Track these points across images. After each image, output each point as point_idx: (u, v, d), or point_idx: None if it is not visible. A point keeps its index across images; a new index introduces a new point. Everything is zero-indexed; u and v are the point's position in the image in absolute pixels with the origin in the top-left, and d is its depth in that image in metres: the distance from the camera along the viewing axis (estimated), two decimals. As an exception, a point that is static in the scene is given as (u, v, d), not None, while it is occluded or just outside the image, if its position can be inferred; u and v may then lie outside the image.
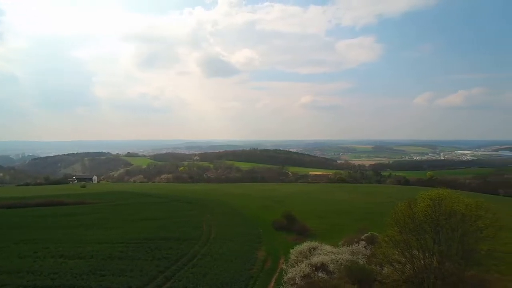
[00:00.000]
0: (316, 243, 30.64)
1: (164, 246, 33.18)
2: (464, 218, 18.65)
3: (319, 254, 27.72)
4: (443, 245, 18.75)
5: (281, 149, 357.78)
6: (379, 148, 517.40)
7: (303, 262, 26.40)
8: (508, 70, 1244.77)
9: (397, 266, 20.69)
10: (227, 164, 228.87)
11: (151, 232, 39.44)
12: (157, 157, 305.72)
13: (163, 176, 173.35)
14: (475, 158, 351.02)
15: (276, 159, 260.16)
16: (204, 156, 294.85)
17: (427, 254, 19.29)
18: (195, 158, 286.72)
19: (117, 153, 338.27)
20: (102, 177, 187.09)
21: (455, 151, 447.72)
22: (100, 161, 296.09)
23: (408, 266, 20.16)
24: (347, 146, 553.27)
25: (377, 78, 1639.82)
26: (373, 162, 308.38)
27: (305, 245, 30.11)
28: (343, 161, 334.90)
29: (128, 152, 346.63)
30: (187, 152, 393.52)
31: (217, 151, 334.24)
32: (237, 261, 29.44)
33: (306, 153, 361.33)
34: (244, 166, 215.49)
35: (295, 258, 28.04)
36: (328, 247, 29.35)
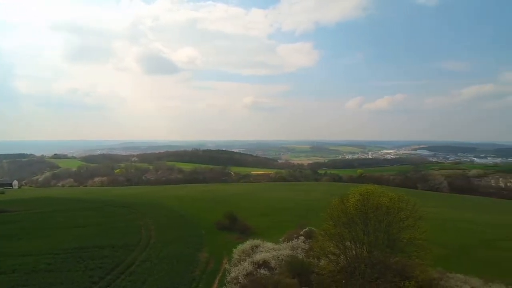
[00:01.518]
0: (259, 241, 31.33)
1: (98, 254, 30.93)
2: (389, 210, 20.80)
3: (261, 251, 28.41)
4: (371, 236, 20.66)
5: (224, 149, 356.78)
6: (316, 148, 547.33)
7: (246, 260, 26.80)
8: (425, 78, 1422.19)
9: (332, 258, 22.22)
10: (168, 165, 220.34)
11: (83, 240, 36.40)
12: (89, 159, 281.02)
13: (96, 179, 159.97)
14: (398, 156, 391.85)
15: (219, 159, 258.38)
16: (143, 157, 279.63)
17: (358, 245, 21.09)
18: (133, 159, 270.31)
19: (42, 155, 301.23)
20: (25, 181, 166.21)
21: (381, 151, 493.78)
22: (22, 164, 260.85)
23: (342, 257, 21.80)
24: (287, 146, 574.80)
25: (314, 82, 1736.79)
26: (311, 161, 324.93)
27: (248, 244, 30.59)
28: (283, 161, 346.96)
29: (55, 154, 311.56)
30: (124, 153, 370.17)
31: (157, 152, 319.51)
32: (179, 264, 28.77)
33: (248, 153, 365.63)
34: (186, 167, 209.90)
35: (238, 257, 28.34)
36: (270, 244, 30.22)
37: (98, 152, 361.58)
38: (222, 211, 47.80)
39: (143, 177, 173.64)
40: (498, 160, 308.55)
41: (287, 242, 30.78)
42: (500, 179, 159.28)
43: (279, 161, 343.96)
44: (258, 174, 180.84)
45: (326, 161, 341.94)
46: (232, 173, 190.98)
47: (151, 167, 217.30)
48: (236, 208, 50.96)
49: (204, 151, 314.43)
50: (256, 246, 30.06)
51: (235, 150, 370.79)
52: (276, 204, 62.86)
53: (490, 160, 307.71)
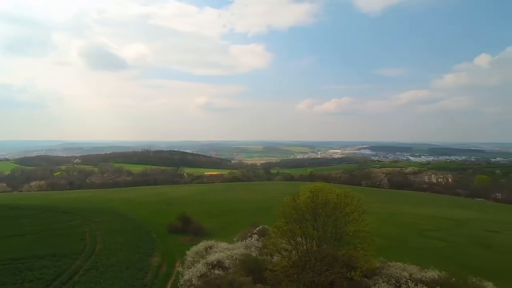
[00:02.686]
0: (212, 241, 31.20)
1: (37, 265, 28.27)
2: (336, 206, 22.07)
3: (215, 252, 28.33)
4: (320, 231, 21.72)
5: (176, 150, 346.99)
6: (269, 148, 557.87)
7: (199, 262, 26.51)
8: (368, 83, 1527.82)
9: (284, 254, 22.94)
10: (115, 167, 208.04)
11: (19, 250, 32.91)
12: (25, 161, 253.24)
13: (33, 183, 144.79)
14: (344, 156, 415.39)
15: (170, 160, 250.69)
16: (87, 159, 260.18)
17: (308, 240, 22.04)
18: (75, 161, 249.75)
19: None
20: None
21: (329, 150, 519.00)
22: None
23: (293, 253, 22.61)
24: (241, 146, 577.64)
25: (267, 84, 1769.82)
26: (263, 161, 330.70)
27: (201, 245, 30.30)
28: (237, 161, 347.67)
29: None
30: (65, 155, 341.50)
31: (103, 153, 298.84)
32: (129, 271, 27.46)
33: (201, 153, 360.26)
34: (136, 168, 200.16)
35: (192, 259, 27.93)
36: (224, 244, 30.25)
37: (35, 154, 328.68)
38: (174, 214, 46.66)
39: (87, 180, 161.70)
40: (431, 158, 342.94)
41: (241, 241, 31.06)
42: (433, 175, 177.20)
43: (233, 161, 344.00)
44: (211, 175, 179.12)
45: (278, 161, 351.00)
46: (185, 174, 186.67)
47: (96, 169, 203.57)
48: (189, 210, 50.04)
49: (155, 152, 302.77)
50: (210, 247, 29.90)
51: (187, 151, 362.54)
52: (230, 204, 62.91)
53: (424, 159, 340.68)
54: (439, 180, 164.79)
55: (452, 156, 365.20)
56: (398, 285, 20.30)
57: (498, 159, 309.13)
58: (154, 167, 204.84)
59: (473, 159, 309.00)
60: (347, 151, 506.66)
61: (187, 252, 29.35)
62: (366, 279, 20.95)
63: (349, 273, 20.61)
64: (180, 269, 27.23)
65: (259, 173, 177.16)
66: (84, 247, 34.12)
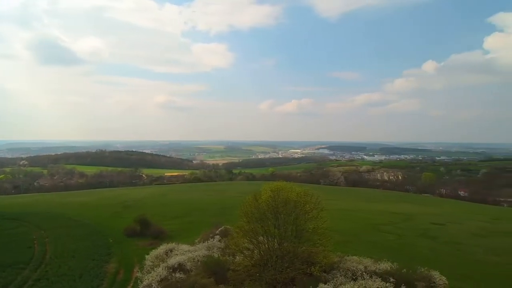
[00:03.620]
0: (173, 244, 30.44)
1: (-23, 277, 25.64)
2: (296, 204, 22.69)
3: (177, 255, 27.66)
4: (281, 229, 22.21)
5: (134, 150, 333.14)
6: (231, 148, 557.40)
7: (159, 266, 25.76)
8: (325, 85, 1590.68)
9: (246, 253, 23.13)
10: (66, 169, 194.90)
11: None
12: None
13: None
14: (304, 155, 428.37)
15: (128, 161, 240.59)
16: (35, 160, 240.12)
17: (270, 238, 22.43)
18: (21, 162, 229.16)
19: None
20: None
21: (290, 150, 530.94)
22: None
23: (255, 252, 22.88)
24: (202, 146, 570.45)
25: (229, 83, 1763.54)
26: (225, 161, 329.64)
27: (162, 248, 29.42)
28: (198, 161, 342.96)
29: None
30: (9, 156, 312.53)
31: (53, 154, 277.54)
32: (83, 279, 25.94)
33: (161, 154, 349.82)
34: (90, 170, 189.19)
35: (151, 264, 27.01)
36: (185, 246, 29.66)
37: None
38: (132, 217, 44.74)
39: (35, 183, 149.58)
40: (383, 157, 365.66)
41: (203, 242, 30.68)
42: (384, 173, 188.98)
43: (194, 161, 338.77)
44: (172, 176, 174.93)
45: (240, 160, 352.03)
46: (144, 175, 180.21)
47: (45, 171, 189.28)
48: (149, 212, 48.38)
49: (111, 152, 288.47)
50: (171, 250, 29.15)
51: (146, 151, 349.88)
52: (192, 205, 61.88)
53: (376, 158, 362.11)
54: (390, 177, 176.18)
55: (402, 155, 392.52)
56: (354, 278, 21.33)
57: (442, 157, 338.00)
58: (110, 168, 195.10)
59: (420, 158, 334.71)
60: (307, 150, 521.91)
61: (146, 257, 28.29)
62: (325, 274, 21.76)
63: (309, 269, 21.32)
64: (138, 274, 26.20)
65: (221, 173, 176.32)
66: (33, 256, 31.58)
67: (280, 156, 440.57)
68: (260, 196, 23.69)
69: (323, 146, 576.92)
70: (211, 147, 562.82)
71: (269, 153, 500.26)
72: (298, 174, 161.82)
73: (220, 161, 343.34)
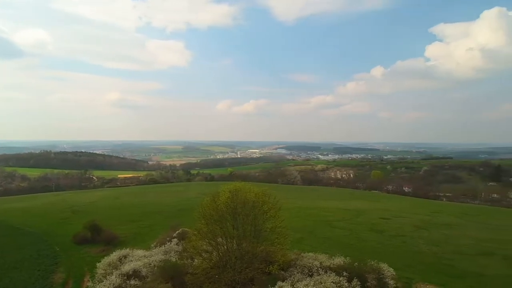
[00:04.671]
0: (127, 250, 29.12)
1: None
2: (255, 204, 22.98)
3: (131, 261, 26.52)
4: (240, 229, 22.35)
5: (83, 151, 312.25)
6: (189, 148, 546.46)
7: (113, 273, 24.51)
8: (283, 87, 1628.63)
9: (205, 255, 22.87)
10: (6, 171, 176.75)
11: None
12: None
13: None
14: (262, 155, 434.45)
15: (77, 162, 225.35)
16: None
17: (228, 240, 22.43)
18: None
19: None
20: None
21: (248, 150, 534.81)
22: None
23: (214, 253, 22.72)
24: (158, 146, 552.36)
25: (186, 82, 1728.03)
26: (183, 162, 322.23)
27: (115, 255, 27.99)
28: (154, 162, 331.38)
29: None
30: None
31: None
32: (24, 292, 23.81)
33: (114, 154, 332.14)
34: (33, 173, 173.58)
35: (104, 272, 25.58)
36: (140, 252, 28.55)
37: None
38: (82, 222, 41.97)
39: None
40: (336, 156, 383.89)
41: (160, 246, 29.77)
42: (337, 171, 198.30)
43: (150, 162, 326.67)
44: (126, 178, 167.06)
45: (198, 161, 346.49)
46: (95, 177, 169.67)
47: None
48: (100, 217, 45.70)
49: (57, 153, 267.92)
50: (125, 256, 27.87)
51: (97, 152, 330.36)
52: (147, 208, 59.66)
53: (330, 157, 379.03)
54: (343, 175, 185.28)
55: (353, 154, 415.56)
56: (310, 274, 22.17)
57: (388, 156, 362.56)
58: (56, 170, 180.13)
59: (370, 157, 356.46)
60: (265, 150, 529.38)
61: (98, 264, 26.67)
62: (283, 272, 22.33)
63: (267, 268, 21.73)
64: (90, 284, 24.71)
65: (179, 174, 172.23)
66: (-38, 271, 28.29)
67: (239, 156, 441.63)
68: (218, 198, 23.61)
69: (280, 146, 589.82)
70: (168, 147, 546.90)
71: (227, 153, 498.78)
72: (257, 174, 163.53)
73: (177, 161, 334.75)
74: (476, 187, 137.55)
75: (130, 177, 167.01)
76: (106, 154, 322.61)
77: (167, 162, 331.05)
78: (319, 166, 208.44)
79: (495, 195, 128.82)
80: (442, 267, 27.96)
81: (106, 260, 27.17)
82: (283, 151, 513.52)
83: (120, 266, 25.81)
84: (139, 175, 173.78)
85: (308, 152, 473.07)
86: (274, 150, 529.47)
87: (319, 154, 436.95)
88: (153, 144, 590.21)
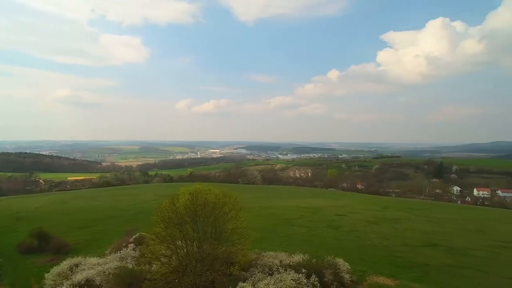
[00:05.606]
0: (79, 258, 27.48)
1: None
2: (215, 206, 22.87)
3: (83, 269, 25.08)
4: (200, 232, 22.12)
5: (28, 152, 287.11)
6: (146, 148, 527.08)
7: (63, 284, 23.01)
8: (243, 87, 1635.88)
9: (164, 260, 22.31)
10: None
11: None
12: None
13: None
14: (222, 155, 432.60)
15: (20, 164, 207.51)
16: None
17: (188, 242, 22.11)
18: None
19: None
20: None
21: (208, 150, 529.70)
22: None
23: (174, 257, 22.23)
24: (113, 147, 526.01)
25: (143, 80, 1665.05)
26: (140, 163, 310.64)
27: (65, 264, 26.26)
28: (108, 163, 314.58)
29: None
30: None
31: None
32: (-42, 311, 21.47)
33: (63, 155, 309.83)
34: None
35: (53, 283, 23.91)
36: (94, 260, 27.07)
37: None
38: (27, 230, 38.73)
39: None
40: (295, 156, 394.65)
41: (115, 253, 28.44)
42: (296, 170, 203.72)
43: (103, 163, 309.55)
44: (76, 180, 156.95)
45: (156, 162, 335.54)
46: (41, 181, 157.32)
47: None
48: (48, 224, 42.71)
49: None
50: (77, 265, 26.27)
51: (44, 153, 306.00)
52: (101, 213, 56.58)
53: (289, 156, 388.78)
54: (302, 174, 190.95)
55: (311, 154, 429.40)
56: (271, 272, 22.61)
57: (343, 155, 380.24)
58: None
59: (326, 156, 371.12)
60: (226, 150, 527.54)
61: (46, 275, 24.81)
62: (244, 272, 22.52)
63: (228, 269, 21.78)
64: (36, 296, 23.00)
65: (135, 176, 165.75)
66: None
67: (199, 156, 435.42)
68: (177, 200, 23.15)
69: (241, 146, 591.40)
70: (124, 147, 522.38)
71: (187, 153, 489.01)
72: (217, 174, 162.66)
73: (134, 162, 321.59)
74: (421, 184, 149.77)
75: (81, 180, 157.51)
76: (54, 155, 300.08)
77: (123, 163, 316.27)
78: (278, 166, 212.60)
79: (438, 191, 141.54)
80: (392, 258, 30.01)
81: (56, 270, 25.41)
82: (244, 151, 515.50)
83: (72, 275, 24.32)
84: (92, 177, 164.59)
85: (268, 152, 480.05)
86: (235, 150, 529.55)
87: (278, 154, 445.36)
88: (107, 144, 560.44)
